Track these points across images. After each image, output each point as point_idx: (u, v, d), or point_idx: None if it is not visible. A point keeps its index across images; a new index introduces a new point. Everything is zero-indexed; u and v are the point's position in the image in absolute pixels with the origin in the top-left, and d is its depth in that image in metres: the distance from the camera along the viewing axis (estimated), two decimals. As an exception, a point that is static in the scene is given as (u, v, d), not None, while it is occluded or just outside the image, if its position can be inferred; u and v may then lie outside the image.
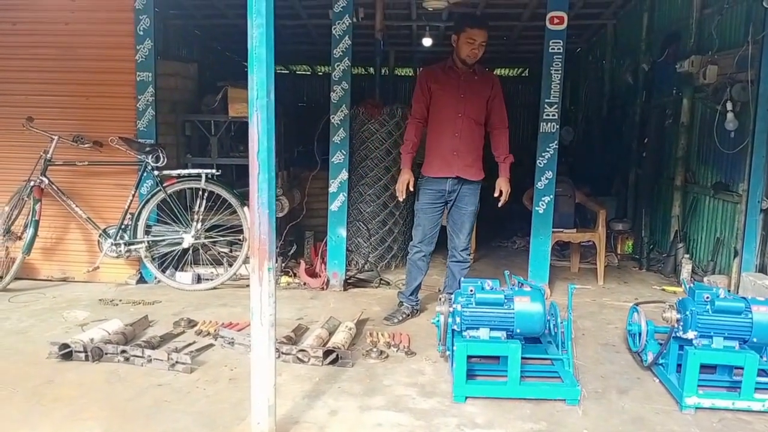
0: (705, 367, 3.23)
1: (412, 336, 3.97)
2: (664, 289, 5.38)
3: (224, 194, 4.77)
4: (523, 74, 12.70)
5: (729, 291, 4.75)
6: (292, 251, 5.50)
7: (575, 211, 5.85)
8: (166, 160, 4.76)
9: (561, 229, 5.51)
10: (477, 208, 4.18)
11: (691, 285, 3.53)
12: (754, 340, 3.06)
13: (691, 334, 3.08)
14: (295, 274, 5.17)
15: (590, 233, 5.64)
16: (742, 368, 3.05)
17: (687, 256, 5.60)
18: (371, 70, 8.84)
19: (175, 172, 4.80)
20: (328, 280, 4.97)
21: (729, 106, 4.86)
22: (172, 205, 4.78)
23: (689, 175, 5.93)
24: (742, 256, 4.80)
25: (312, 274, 5.11)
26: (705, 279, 5.16)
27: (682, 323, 3.14)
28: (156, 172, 4.74)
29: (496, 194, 4.13)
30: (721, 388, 3.26)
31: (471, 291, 3.13)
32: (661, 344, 3.35)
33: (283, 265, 5.25)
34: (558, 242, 5.76)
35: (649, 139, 6.61)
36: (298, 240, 5.96)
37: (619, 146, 7.64)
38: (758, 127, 4.60)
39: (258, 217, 2.50)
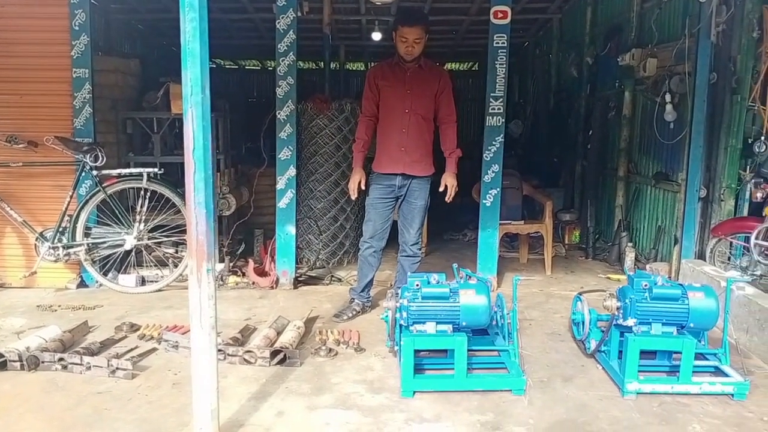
0: (646, 353, 3.32)
1: (363, 332, 3.95)
2: (609, 278, 5.51)
3: (167, 193, 4.64)
4: (473, 68, 12.82)
5: (669, 278, 4.91)
6: (240, 250, 5.41)
7: (523, 203, 5.93)
8: (105, 159, 4.60)
9: (509, 221, 5.58)
10: (427, 203, 4.18)
11: (632, 273, 3.62)
12: (691, 325, 3.15)
13: (630, 322, 3.16)
14: (243, 274, 5.08)
15: (538, 224, 5.73)
16: (680, 353, 3.15)
17: (630, 244, 5.75)
18: (321, 64, 8.76)
19: (115, 172, 4.64)
20: (277, 279, 4.91)
21: (668, 98, 5.00)
22: (113, 205, 4.62)
23: (632, 166, 6.09)
24: (681, 244, 4.94)
25: (261, 273, 5.03)
26: (647, 266, 5.30)
27: (622, 311, 3.21)
28: (95, 172, 4.58)
29: (441, 189, 4.14)
30: (662, 372, 3.37)
31: (417, 285, 3.13)
32: (603, 332, 3.42)
33: (231, 264, 5.15)
34: (507, 234, 5.83)
35: (594, 132, 6.76)
36: (247, 238, 5.87)
37: (565, 138, 7.79)
38: (695, 117, 4.74)
39: (195, 217, 2.43)
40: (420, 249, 4.24)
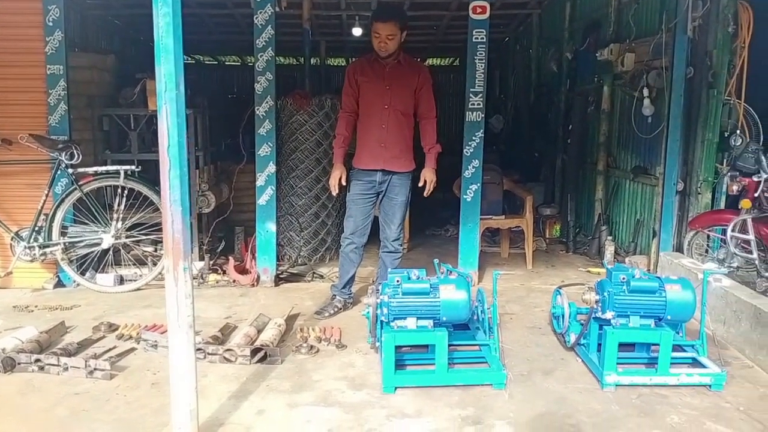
0: (625, 345, 3.35)
1: (344, 329, 3.94)
2: (589, 271, 5.55)
3: (145, 191, 4.58)
4: (455, 64, 12.83)
5: (647, 271, 4.96)
6: (220, 248, 5.36)
7: (504, 198, 5.96)
8: (81, 157, 4.53)
9: (490, 216, 5.60)
10: (408, 198, 4.17)
11: (611, 267, 3.65)
12: (669, 317, 3.19)
13: (609, 314, 3.18)
14: (224, 272, 5.04)
15: (518, 219, 5.76)
16: (658, 345, 3.18)
17: (610, 238, 5.80)
18: (302, 60, 8.71)
19: (91, 170, 4.57)
20: (258, 277, 4.87)
21: (645, 92, 5.04)
22: (90, 204, 4.55)
23: (611, 160, 6.14)
24: (660, 237, 4.99)
25: (242, 270, 4.99)
26: (627, 260, 5.36)
27: (600, 304, 3.23)
28: (70, 170, 4.50)
29: (420, 184, 4.13)
30: (641, 364, 3.40)
31: (397, 281, 3.13)
32: (583, 325, 3.44)
33: (212, 262, 5.11)
34: (489, 229, 5.85)
35: (574, 126, 6.79)
36: (228, 236, 5.82)
37: (546, 133, 7.83)
38: (672, 112, 4.78)
39: (171, 215, 2.40)
40: (401, 245, 4.24)
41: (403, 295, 3.11)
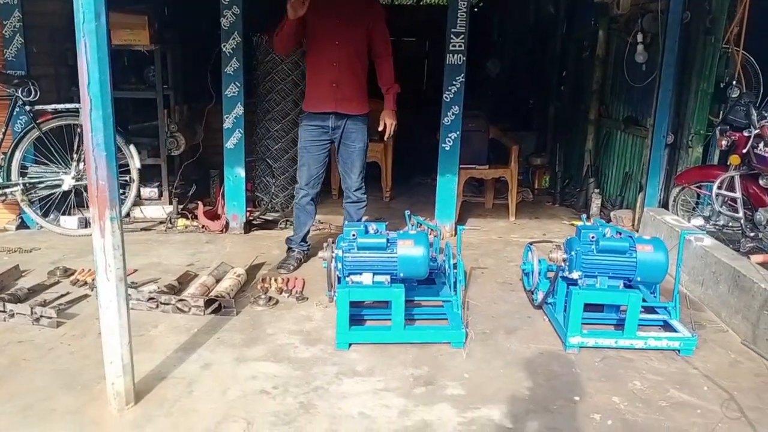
0: (594, 306, 3.21)
1: (309, 280, 3.81)
2: (573, 224, 5.35)
3: (107, 131, 4.36)
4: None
5: (631, 227, 4.79)
6: (191, 191, 5.17)
7: (490, 147, 5.71)
8: (39, 93, 4.30)
9: (473, 166, 5.38)
10: (366, 144, 3.93)
11: (591, 222, 3.48)
12: (638, 278, 3.02)
13: (575, 274, 3.03)
14: (195, 216, 4.87)
15: (503, 169, 5.53)
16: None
17: (597, 191, 5.59)
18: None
19: (50, 107, 4.34)
20: (227, 223, 4.71)
21: (639, 37, 4.75)
22: (49, 143, 4.35)
23: (603, 109, 5.87)
24: (646, 191, 4.79)
25: (213, 216, 4.82)
26: (612, 214, 5.17)
27: (568, 263, 3.07)
28: (28, 107, 4.28)
29: (380, 127, 3.90)
30: (609, 326, 3.27)
31: (353, 235, 2.96)
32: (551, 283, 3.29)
33: (180, 207, 4.93)
34: (474, 178, 5.64)
35: (568, 73, 6.48)
36: (204, 180, 5.63)
37: (541, 80, 7.51)
38: (666, 59, 4.49)
39: (94, 160, 2.21)
40: (365, 193, 4.02)
41: (358, 249, 2.95)
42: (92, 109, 2.17)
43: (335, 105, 3.77)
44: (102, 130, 2.19)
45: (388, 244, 2.94)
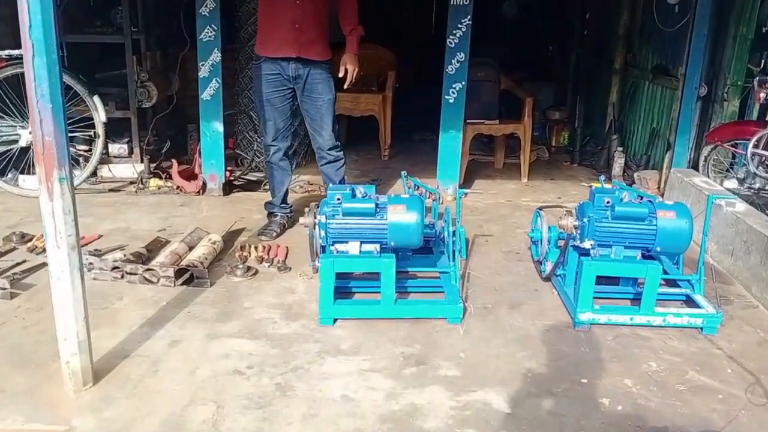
0: (609, 279, 3.17)
1: (292, 248, 3.78)
2: (591, 186, 5.29)
3: (67, 80, 4.28)
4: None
5: (656, 190, 4.72)
6: (165, 148, 5.11)
7: (502, 100, 5.60)
8: (-10, 38, 4.22)
9: (482, 121, 5.28)
10: (334, 95, 3.84)
11: (610, 184, 3.41)
12: (658, 248, 2.97)
13: (587, 244, 2.98)
14: (169, 176, 4.83)
15: (514, 125, 5.43)
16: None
17: (620, 148, 5.51)
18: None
19: (4, 53, 4.26)
20: (205, 184, 4.67)
21: (672, -26, 4.59)
22: (4, 94, 4.29)
23: (630, 57, 5.74)
24: (674, 150, 4.71)
25: (189, 176, 4.78)
26: (635, 175, 5.11)
27: (580, 231, 3.02)
28: (-21, 54, 4.21)
29: (340, 74, 3.80)
30: (625, 300, 3.23)
31: (338, 200, 2.91)
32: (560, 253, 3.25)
33: (153, 165, 4.88)
34: (483, 134, 5.55)
35: (591, 15, 6.32)
36: (181, 135, 5.56)
37: (562, 23, 7.34)
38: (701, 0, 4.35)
39: (38, 113, 2.15)
40: (340, 150, 3.94)
41: (343, 215, 2.90)
42: (35, 56, 2.10)
43: (298, 49, 3.67)
44: (47, 79, 2.12)
45: (378, 210, 2.89)
